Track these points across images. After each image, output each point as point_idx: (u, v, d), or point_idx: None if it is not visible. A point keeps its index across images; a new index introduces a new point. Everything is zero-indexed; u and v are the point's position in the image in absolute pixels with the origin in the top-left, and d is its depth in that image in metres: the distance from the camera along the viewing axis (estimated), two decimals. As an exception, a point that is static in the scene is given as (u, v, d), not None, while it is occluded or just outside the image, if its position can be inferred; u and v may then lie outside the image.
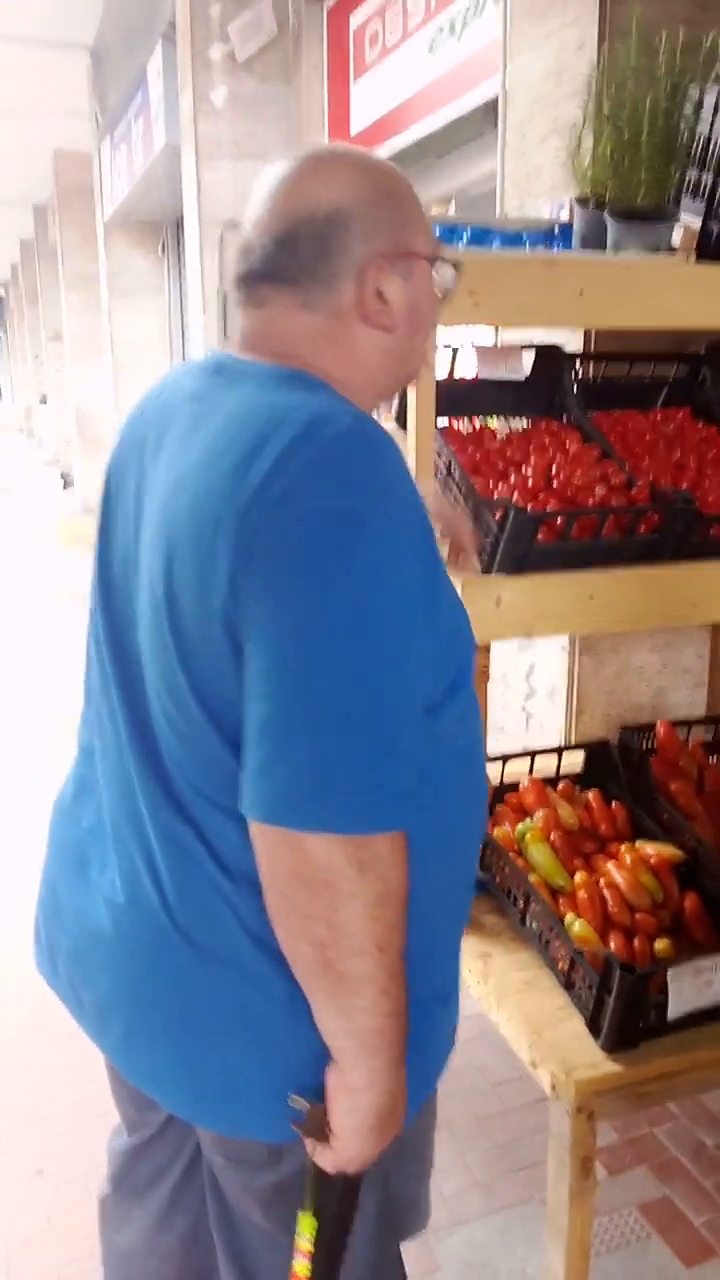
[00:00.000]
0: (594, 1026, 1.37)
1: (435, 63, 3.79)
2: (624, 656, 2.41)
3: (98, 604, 1.04)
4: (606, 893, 1.54)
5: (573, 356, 1.87)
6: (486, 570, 1.52)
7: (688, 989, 1.32)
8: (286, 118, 5.08)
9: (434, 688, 0.92)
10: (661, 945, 1.48)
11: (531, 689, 2.60)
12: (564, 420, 1.86)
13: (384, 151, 4.11)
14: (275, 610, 0.82)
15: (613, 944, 1.47)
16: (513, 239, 1.71)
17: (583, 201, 1.70)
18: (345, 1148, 0.93)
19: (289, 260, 0.95)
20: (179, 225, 5.62)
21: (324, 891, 0.83)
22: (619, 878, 1.56)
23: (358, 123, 4.55)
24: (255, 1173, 1.03)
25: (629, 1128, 2.19)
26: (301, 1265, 0.97)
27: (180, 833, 0.94)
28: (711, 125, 1.71)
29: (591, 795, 1.80)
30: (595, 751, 1.89)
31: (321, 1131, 0.93)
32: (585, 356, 1.99)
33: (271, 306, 0.97)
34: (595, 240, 1.68)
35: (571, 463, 1.66)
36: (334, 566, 0.81)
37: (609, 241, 1.65)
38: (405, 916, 0.88)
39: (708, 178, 1.74)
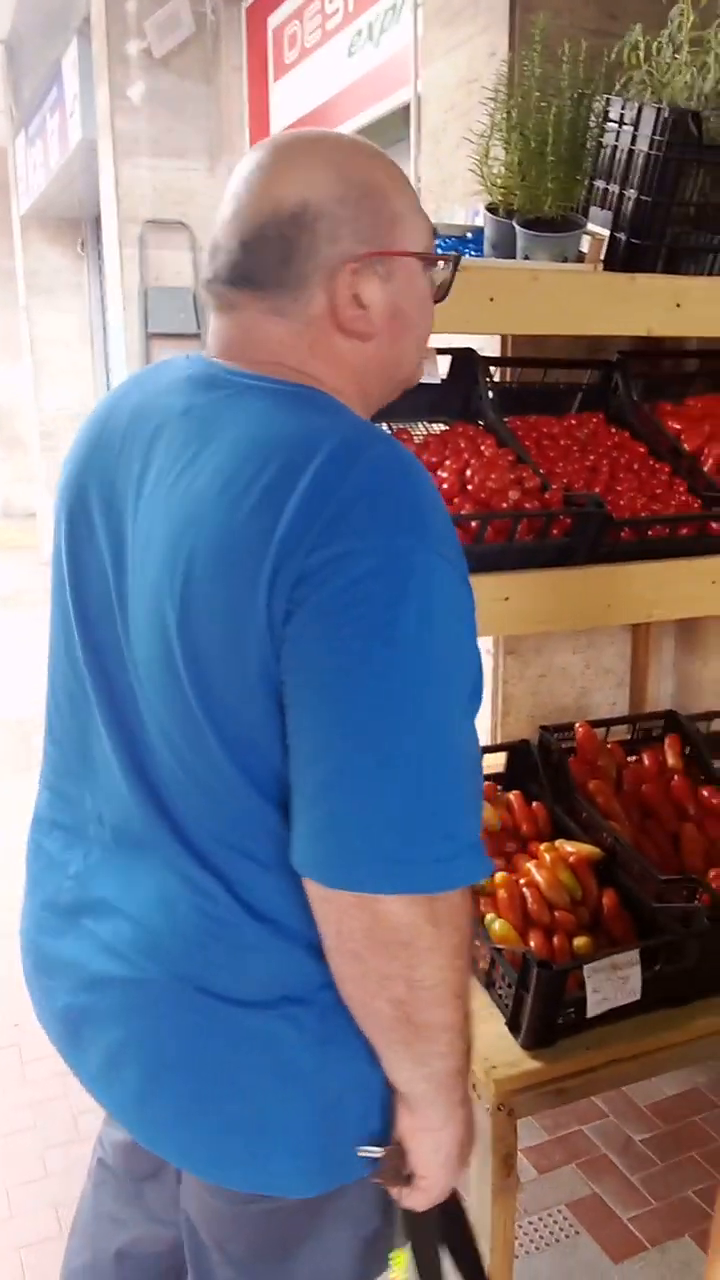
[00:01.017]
0: (514, 1025, 1.39)
1: (354, 66, 3.80)
2: (547, 658, 2.45)
3: (75, 639, 0.97)
4: (526, 891, 1.56)
5: (487, 360, 1.89)
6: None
7: (605, 985, 1.34)
8: (207, 116, 5.04)
9: None
10: (580, 942, 1.51)
11: (456, 690, 2.63)
12: (480, 425, 1.87)
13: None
14: (329, 662, 0.77)
15: (532, 942, 1.49)
16: (425, 245, 1.72)
17: (492, 209, 1.71)
18: (434, 1184, 0.92)
19: (255, 265, 0.88)
20: (98, 222, 5.52)
21: (402, 952, 0.80)
22: (538, 876, 1.58)
23: (278, 122, 4.54)
24: (247, 1204, 0.98)
25: (558, 1126, 2.22)
26: None
27: (203, 881, 0.88)
28: (618, 136, 1.75)
29: (513, 796, 1.82)
30: (516, 752, 1.92)
31: (400, 1175, 0.92)
32: (501, 361, 2.01)
33: (243, 312, 0.90)
34: (505, 247, 1.70)
35: (486, 466, 1.68)
36: (390, 611, 0.76)
37: (518, 249, 1.67)
38: (472, 958, 0.87)
39: (614, 189, 1.78)
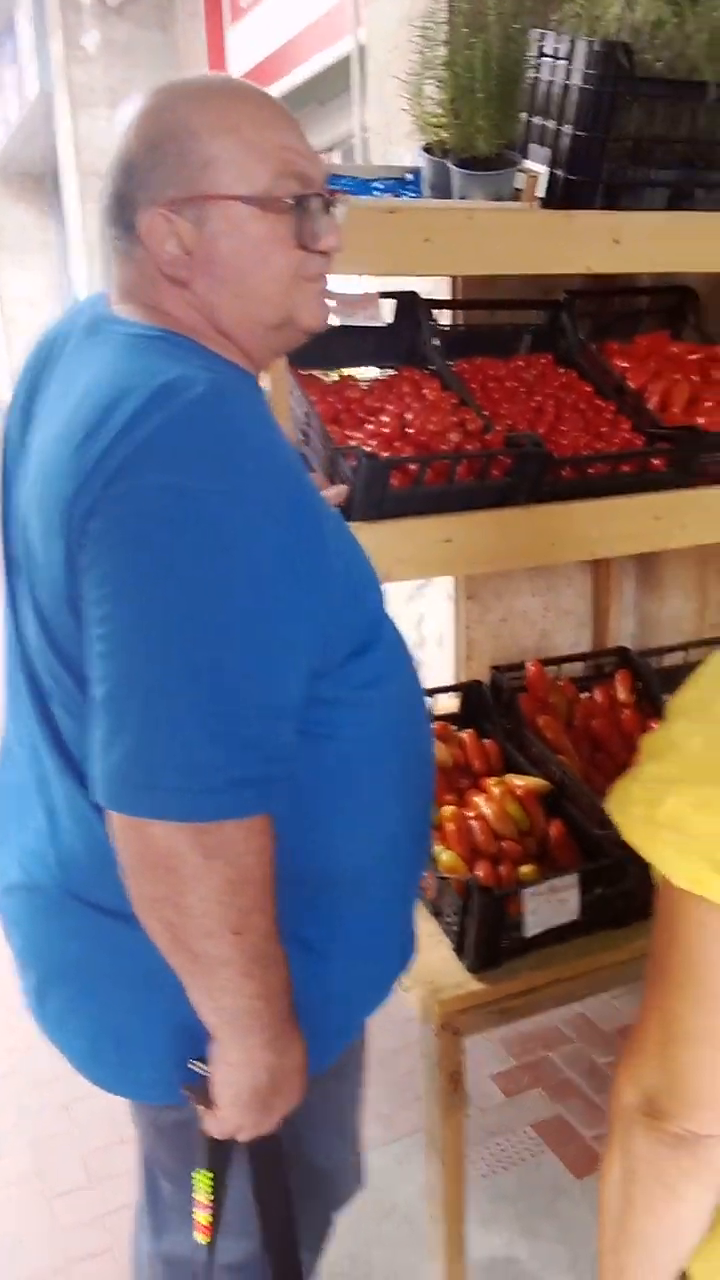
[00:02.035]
0: (460, 949, 1.44)
1: (309, 8, 3.73)
2: (507, 602, 2.47)
3: (5, 568, 1.02)
4: (474, 824, 1.61)
5: (430, 303, 1.89)
6: (347, 519, 1.55)
7: (543, 907, 1.39)
8: (165, 64, 4.94)
9: (328, 656, 0.91)
10: (526, 870, 1.55)
11: (422, 637, 2.65)
12: (427, 369, 1.88)
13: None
14: (106, 592, 0.80)
15: (480, 871, 1.53)
16: (361, 187, 1.72)
17: (428, 150, 1.71)
18: (226, 1117, 0.95)
19: (106, 211, 0.94)
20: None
21: (168, 876, 0.83)
22: (486, 809, 1.62)
23: (236, 69, 4.46)
24: (159, 1113, 1.05)
25: (524, 1052, 2.30)
26: (202, 1215, 1.02)
27: (78, 800, 0.93)
28: (552, 71, 1.74)
29: (466, 734, 1.86)
30: (470, 692, 1.95)
31: (208, 1099, 0.95)
32: (447, 304, 2.02)
33: (115, 256, 0.96)
34: (442, 188, 1.70)
35: (427, 410, 1.69)
36: (164, 546, 0.79)
37: (454, 189, 1.67)
38: (268, 899, 0.87)
39: (551, 125, 1.77)
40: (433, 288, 2.05)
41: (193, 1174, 1.01)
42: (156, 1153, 1.09)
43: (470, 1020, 1.40)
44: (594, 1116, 2.10)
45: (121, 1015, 0.97)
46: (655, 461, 1.74)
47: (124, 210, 0.92)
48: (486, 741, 1.84)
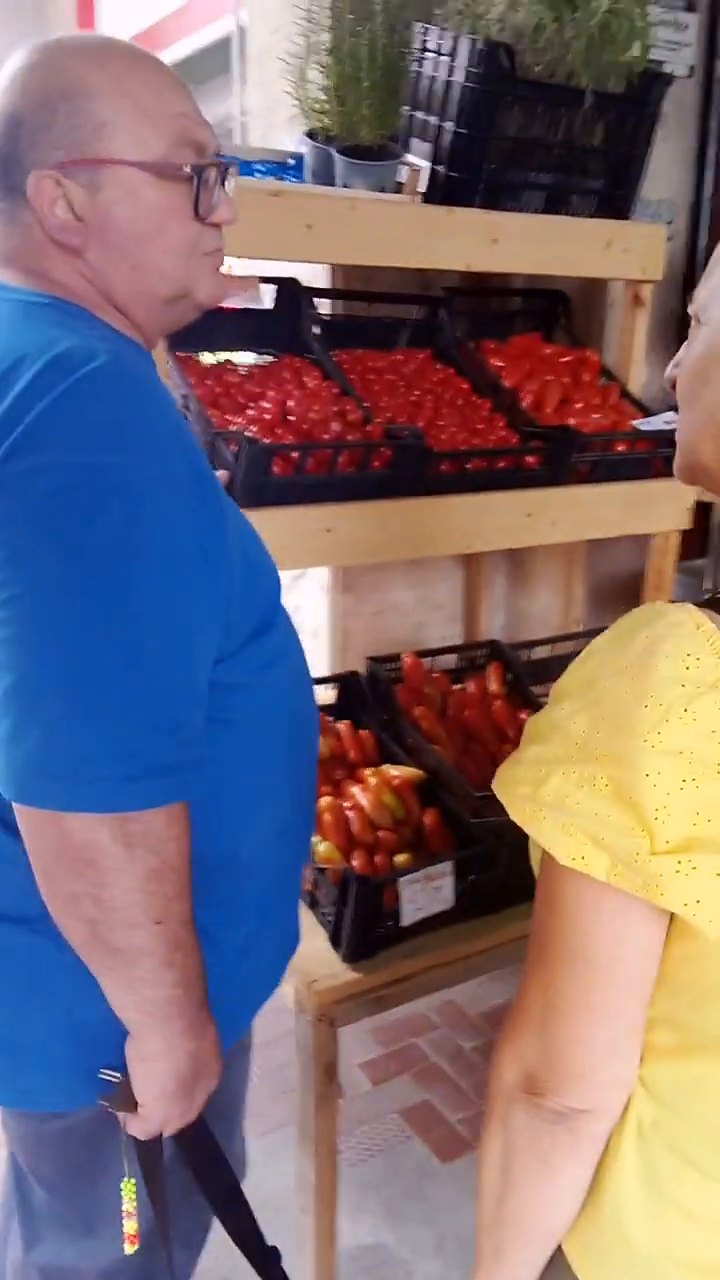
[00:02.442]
0: (335, 940, 1.43)
1: (186, -16, 3.66)
2: (383, 594, 2.49)
3: None
4: (350, 814, 1.61)
5: (311, 291, 1.88)
6: (225, 505, 1.52)
7: (419, 895, 1.40)
8: (33, 29, 4.75)
9: (230, 638, 0.89)
10: (401, 859, 1.56)
11: (298, 628, 2.65)
12: (307, 357, 1.87)
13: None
14: (18, 574, 0.76)
15: (356, 861, 1.53)
16: (243, 168, 1.69)
17: (311, 135, 1.70)
18: (152, 1115, 0.92)
19: None
20: None
21: (88, 870, 0.79)
22: (363, 799, 1.62)
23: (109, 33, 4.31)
24: (42, 1123, 1.00)
25: (392, 1040, 2.32)
26: (130, 1225, 0.98)
27: None
28: (435, 67, 1.75)
29: (342, 725, 1.86)
30: (346, 683, 1.95)
31: (130, 1102, 0.92)
32: (328, 293, 2.01)
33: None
34: (325, 175, 1.69)
35: (309, 398, 1.68)
36: (75, 526, 0.75)
37: (337, 177, 1.67)
38: (186, 885, 0.84)
39: (433, 120, 1.78)
40: (310, 276, 2.04)
41: (120, 1182, 0.97)
42: (34, 1162, 1.04)
43: (346, 1010, 1.40)
44: (460, 1101, 2.14)
45: (6, 1022, 0.92)
46: (530, 459, 1.78)
47: (7, 171, 0.87)
48: (362, 732, 1.84)
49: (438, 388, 1.93)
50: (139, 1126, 0.94)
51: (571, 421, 1.89)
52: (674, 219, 2.51)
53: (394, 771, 1.72)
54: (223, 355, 1.88)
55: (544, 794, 0.68)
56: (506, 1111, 0.74)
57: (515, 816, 0.70)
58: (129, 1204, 0.97)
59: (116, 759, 0.78)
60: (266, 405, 1.66)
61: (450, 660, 2.17)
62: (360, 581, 2.43)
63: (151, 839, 0.80)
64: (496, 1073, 0.75)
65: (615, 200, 1.94)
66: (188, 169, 0.89)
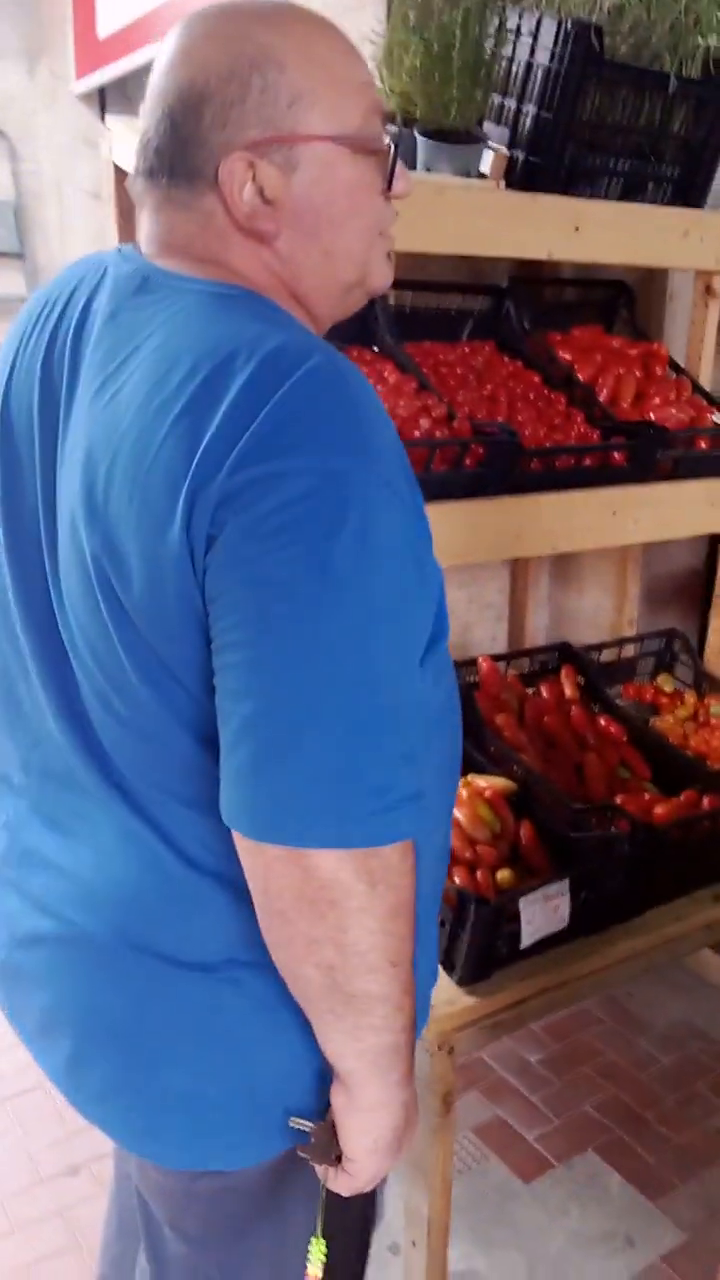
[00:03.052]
0: (448, 963, 1.37)
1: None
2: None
3: (3, 569, 0.87)
4: (447, 830, 1.54)
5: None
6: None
7: (538, 915, 1.34)
8: (26, 16, 4.62)
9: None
10: (504, 875, 1.50)
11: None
12: (375, 350, 1.80)
13: (143, 59, 3.81)
14: (254, 594, 0.69)
15: (457, 879, 1.47)
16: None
17: (389, 118, 1.62)
18: (362, 1170, 0.85)
19: (160, 157, 0.79)
20: None
21: (330, 911, 0.73)
22: (458, 813, 1.56)
23: (106, 22, 4.19)
24: (194, 1180, 0.92)
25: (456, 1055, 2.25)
26: None
27: (140, 831, 0.81)
28: (514, 49, 1.68)
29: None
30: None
31: (329, 1155, 0.85)
32: (395, 283, 1.93)
33: (160, 208, 0.82)
34: (406, 159, 1.61)
35: (392, 394, 1.61)
36: (326, 542, 0.68)
37: (418, 161, 1.59)
38: (414, 923, 0.78)
39: (511, 103, 1.71)
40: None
41: (309, 1241, 0.90)
42: (177, 1217, 0.96)
43: (465, 1038, 1.33)
44: (533, 1118, 2.08)
45: (187, 1080, 0.84)
46: (615, 456, 1.72)
47: (189, 154, 0.78)
48: (442, 741, 1.78)
49: (509, 381, 1.86)
50: (345, 1182, 0.87)
51: (651, 416, 1.83)
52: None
53: (482, 782, 1.65)
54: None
55: None
56: None
57: None
58: (315, 1267, 0.90)
59: (371, 792, 0.71)
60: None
61: (521, 664, 2.10)
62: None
63: (391, 875, 0.74)
64: None
65: (690, 189, 1.87)
66: (386, 140, 0.81)
